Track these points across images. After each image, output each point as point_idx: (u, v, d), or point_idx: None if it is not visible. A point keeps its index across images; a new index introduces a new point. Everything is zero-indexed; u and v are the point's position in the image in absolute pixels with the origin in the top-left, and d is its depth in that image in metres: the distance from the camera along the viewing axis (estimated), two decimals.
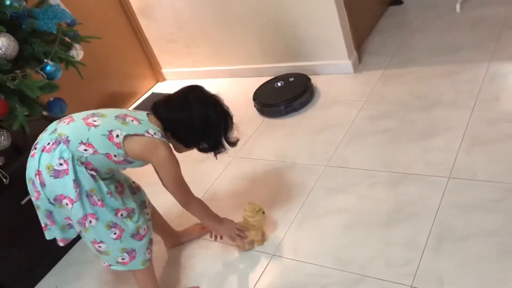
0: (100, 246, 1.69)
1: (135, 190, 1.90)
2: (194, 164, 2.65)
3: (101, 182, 1.60)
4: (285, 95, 2.88)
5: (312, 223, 2.04)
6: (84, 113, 1.66)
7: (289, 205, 2.17)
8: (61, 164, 1.54)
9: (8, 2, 2.01)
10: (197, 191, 2.45)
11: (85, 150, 1.56)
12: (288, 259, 1.93)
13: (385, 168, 2.17)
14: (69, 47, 2.25)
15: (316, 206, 2.12)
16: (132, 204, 1.71)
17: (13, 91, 1.97)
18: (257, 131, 2.78)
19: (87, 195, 1.57)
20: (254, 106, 3.00)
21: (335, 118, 2.64)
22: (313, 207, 2.12)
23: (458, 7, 3.18)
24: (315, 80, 3.01)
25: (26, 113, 2.02)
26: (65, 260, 2.38)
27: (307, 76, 2.98)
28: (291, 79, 3.03)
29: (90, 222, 1.61)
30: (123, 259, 1.74)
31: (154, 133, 1.63)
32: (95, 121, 1.60)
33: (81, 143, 1.55)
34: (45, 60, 2.09)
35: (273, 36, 3.13)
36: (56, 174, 1.54)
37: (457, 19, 3.13)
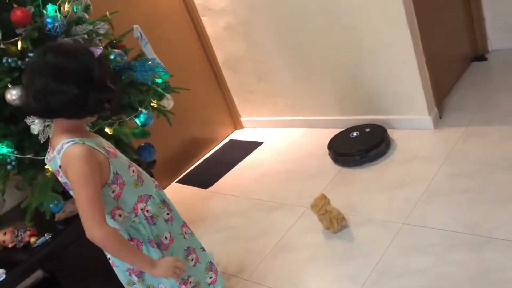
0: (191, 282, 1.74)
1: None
2: (265, 213, 2.70)
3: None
4: (361, 145, 2.88)
5: (388, 283, 1.98)
6: None
7: (363, 262, 2.13)
8: None
9: (112, 57, 2.24)
10: (269, 240, 2.51)
11: None
12: None
13: (467, 230, 2.08)
14: (161, 97, 2.43)
15: (392, 266, 2.06)
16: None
17: (109, 136, 2.16)
18: (331, 183, 2.78)
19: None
20: (329, 155, 3.02)
21: (413, 174, 2.59)
22: (388, 266, 2.06)
23: None
24: (393, 135, 2.99)
25: None
26: None
27: (384, 128, 2.98)
28: (367, 130, 3.03)
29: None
30: (210, 277, 1.81)
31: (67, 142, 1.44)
32: None
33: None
34: (139, 109, 2.28)
35: (350, 89, 3.17)
36: None
37: None
